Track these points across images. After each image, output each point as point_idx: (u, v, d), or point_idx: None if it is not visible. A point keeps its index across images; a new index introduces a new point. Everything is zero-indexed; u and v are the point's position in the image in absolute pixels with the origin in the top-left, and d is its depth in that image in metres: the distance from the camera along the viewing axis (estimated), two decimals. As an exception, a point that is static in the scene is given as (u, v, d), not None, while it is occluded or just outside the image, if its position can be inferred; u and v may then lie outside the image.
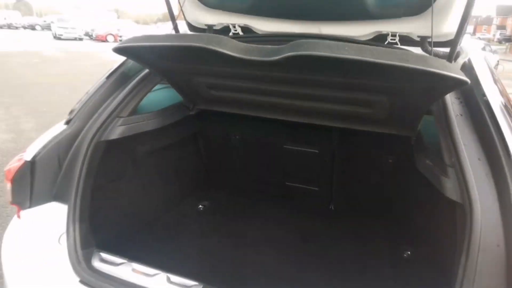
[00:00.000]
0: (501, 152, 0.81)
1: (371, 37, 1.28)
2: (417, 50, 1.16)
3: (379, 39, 1.27)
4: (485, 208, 0.76)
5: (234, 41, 0.93)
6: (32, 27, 36.59)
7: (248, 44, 0.93)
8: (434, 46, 1.15)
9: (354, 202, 1.81)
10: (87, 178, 1.09)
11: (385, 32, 1.24)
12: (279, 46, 0.87)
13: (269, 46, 0.90)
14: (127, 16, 63.97)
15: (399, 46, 1.20)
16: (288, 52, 0.84)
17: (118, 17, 33.87)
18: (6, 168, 1.10)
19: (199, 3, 1.40)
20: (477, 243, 0.74)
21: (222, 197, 1.98)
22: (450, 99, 0.98)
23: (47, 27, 31.83)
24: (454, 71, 0.78)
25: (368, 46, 0.81)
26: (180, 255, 1.37)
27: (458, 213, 0.79)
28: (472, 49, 1.23)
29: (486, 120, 0.89)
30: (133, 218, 1.49)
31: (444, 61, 0.80)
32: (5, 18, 38.49)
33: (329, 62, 0.86)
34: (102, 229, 1.17)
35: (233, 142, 1.91)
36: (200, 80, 1.38)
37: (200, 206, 1.87)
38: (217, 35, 0.96)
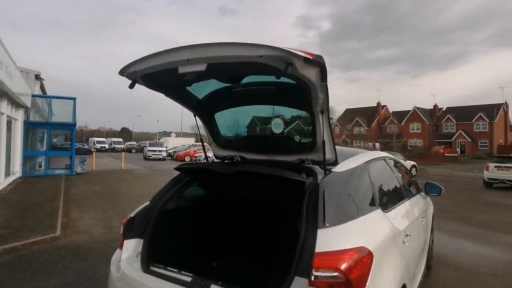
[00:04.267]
0: (317, 213, 1.78)
1: (298, 161, 2.37)
2: (317, 168, 2.23)
3: (301, 162, 2.35)
4: (307, 235, 1.70)
5: (219, 164, 2.25)
6: (129, 150, 45.18)
7: (223, 165, 2.23)
8: (323, 165, 2.19)
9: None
10: (154, 228, 2.23)
11: (303, 158, 2.34)
12: (234, 167, 2.11)
13: (231, 167, 2.17)
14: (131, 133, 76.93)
15: (311, 165, 2.27)
16: (235, 169, 2.09)
17: (196, 141, 40.04)
18: (123, 221, 2.37)
19: (218, 146, 2.80)
20: (300, 247, 1.66)
21: (227, 258, 2.95)
22: (311, 188, 1.91)
23: (140, 150, 39.08)
24: (294, 176, 1.90)
25: (267, 168, 2.02)
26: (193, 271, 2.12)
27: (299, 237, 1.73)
28: (348, 165, 2.20)
29: (317, 200, 1.83)
30: (173, 255, 2.43)
31: (292, 172, 1.93)
32: (111, 144, 48.65)
33: (255, 173, 2.07)
34: (158, 252, 2.22)
35: (232, 221, 3.05)
36: (211, 183, 2.71)
37: (214, 263, 2.87)
38: (213, 163, 2.30)
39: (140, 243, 2.23)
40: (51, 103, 16.01)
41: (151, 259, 2.14)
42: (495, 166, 13.78)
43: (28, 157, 15.43)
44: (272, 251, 2.83)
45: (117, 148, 45.85)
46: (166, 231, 2.43)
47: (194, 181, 2.67)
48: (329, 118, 2.14)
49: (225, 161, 2.80)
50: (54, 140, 23.73)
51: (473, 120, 47.88)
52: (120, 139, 54.45)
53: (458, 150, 45.22)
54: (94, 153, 21.85)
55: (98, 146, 44.83)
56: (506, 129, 49.79)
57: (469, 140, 46.79)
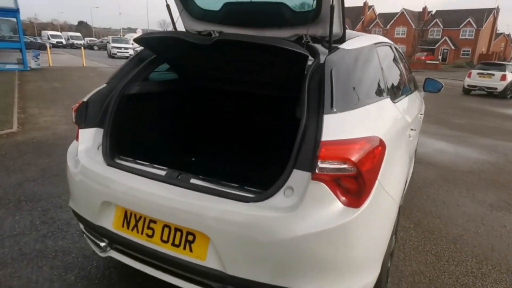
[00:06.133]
0: (321, 98, 1.41)
1: (294, 38, 1.84)
2: (319, 46, 1.74)
3: (299, 39, 1.84)
4: (310, 121, 1.37)
5: (193, 34, 1.66)
6: (91, 47, 40.93)
7: (200, 36, 1.64)
8: (327, 43, 1.72)
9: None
10: (115, 116, 1.79)
11: (301, 34, 1.82)
12: (213, 37, 1.57)
13: (209, 37, 1.62)
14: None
15: (310, 43, 1.77)
16: (215, 38, 1.55)
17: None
18: (74, 106, 1.89)
19: (191, 17, 2.15)
20: (300, 135, 1.35)
21: (207, 152, 2.66)
22: (313, 68, 1.50)
23: (104, 47, 35.49)
24: (294, 47, 1.42)
25: (258, 36, 1.51)
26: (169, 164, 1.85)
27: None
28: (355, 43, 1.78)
29: (322, 81, 1.45)
30: (142, 148, 2.09)
31: (291, 42, 1.44)
32: (68, 39, 43.60)
33: (238, 44, 1.57)
34: (124, 145, 1.85)
35: (214, 110, 2.65)
36: (184, 62, 2.15)
37: (193, 158, 2.56)
38: (186, 32, 1.71)
39: (100, 133, 1.80)
40: (-17, -20, 13.23)
41: (115, 152, 1.75)
42: (478, 73, 13.61)
43: (-31, 48, 13.42)
44: (265, 143, 2.52)
45: (76, 44, 41.26)
46: (131, 120, 1.99)
47: (162, 59, 2.11)
48: None
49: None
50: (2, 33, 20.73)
51: (461, 26, 46.41)
52: (79, 34, 48.80)
53: (440, 57, 44.96)
54: (48, 47, 19.41)
55: (54, 41, 39.96)
56: (492, 37, 49.16)
57: (453, 47, 46.13)
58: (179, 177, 1.52)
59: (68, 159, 1.83)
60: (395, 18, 50.56)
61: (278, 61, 1.71)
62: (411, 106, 2.71)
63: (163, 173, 1.57)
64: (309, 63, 1.60)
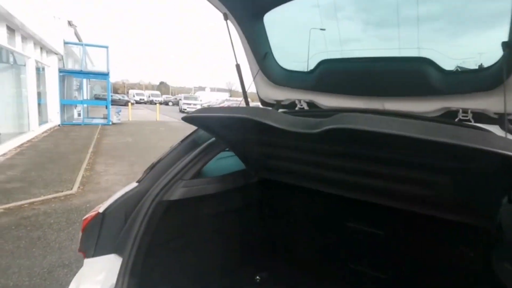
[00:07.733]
0: None
1: (439, 113, 1.15)
2: (495, 129, 1.00)
3: (449, 116, 1.14)
4: None
5: (281, 113, 0.99)
6: (166, 103, 45.65)
7: (293, 117, 0.96)
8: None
9: None
10: (144, 235, 1.15)
11: (455, 109, 1.11)
12: (321, 120, 0.87)
13: (313, 119, 0.92)
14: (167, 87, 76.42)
15: (472, 123, 1.06)
16: (328, 125, 0.83)
17: (230, 96, 39.25)
18: (84, 217, 1.30)
19: (269, 81, 1.55)
20: None
21: (280, 271, 1.85)
22: None
23: (177, 103, 39.05)
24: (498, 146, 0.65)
25: (415, 121, 0.76)
26: None
27: None
28: None
29: None
30: (185, 280, 1.47)
31: (507, 138, 0.68)
32: (149, 96, 49.37)
33: (373, 136, 0.82)
34: (152, 285, 1.21)
35: (295, 213, 1.83)
36: (256, 149, 1.44)
37: (258, 277, 1.78)
38: (266, 108, 1.05)
39: (116, 263, 1.14)
40: (85, 50, 15.77)
41: None
42: None
43: (66, 106, 15.45)
44: None
45: (155, 100, 46.46)
46: (168, 240, 1.33)
47: (224, 143, 1.42)
48: None
49: (280, 109, 1.57)
50: (94, 93, 24.26)
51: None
52: (158, 92, 55.11)
53: None
54: (129, 103, 21.66)
55: (137, 98, 46.03)
56: None
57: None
58: None
59: None
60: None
61: (445, 162, 0.95)
62: None
63: None
64: None
